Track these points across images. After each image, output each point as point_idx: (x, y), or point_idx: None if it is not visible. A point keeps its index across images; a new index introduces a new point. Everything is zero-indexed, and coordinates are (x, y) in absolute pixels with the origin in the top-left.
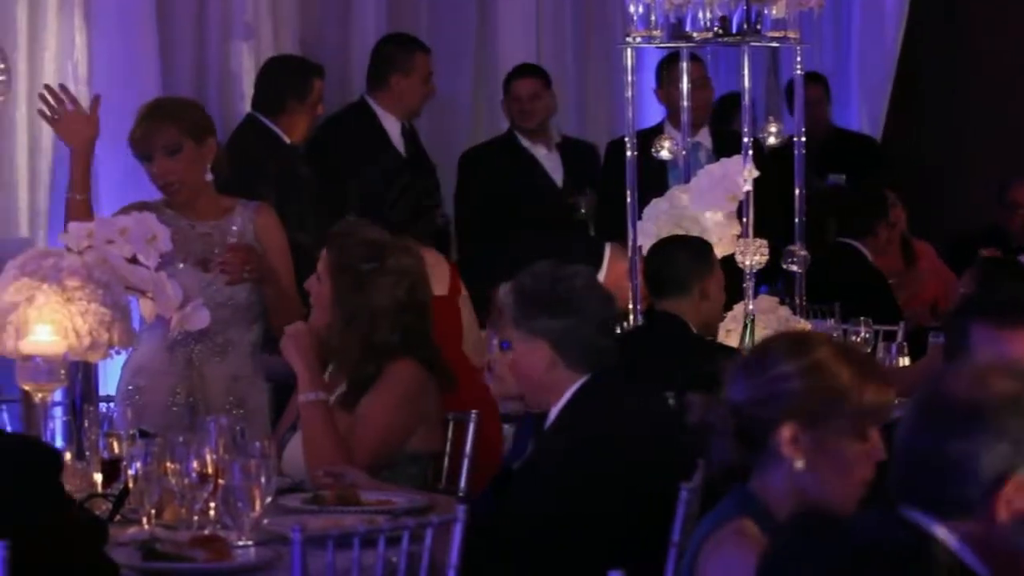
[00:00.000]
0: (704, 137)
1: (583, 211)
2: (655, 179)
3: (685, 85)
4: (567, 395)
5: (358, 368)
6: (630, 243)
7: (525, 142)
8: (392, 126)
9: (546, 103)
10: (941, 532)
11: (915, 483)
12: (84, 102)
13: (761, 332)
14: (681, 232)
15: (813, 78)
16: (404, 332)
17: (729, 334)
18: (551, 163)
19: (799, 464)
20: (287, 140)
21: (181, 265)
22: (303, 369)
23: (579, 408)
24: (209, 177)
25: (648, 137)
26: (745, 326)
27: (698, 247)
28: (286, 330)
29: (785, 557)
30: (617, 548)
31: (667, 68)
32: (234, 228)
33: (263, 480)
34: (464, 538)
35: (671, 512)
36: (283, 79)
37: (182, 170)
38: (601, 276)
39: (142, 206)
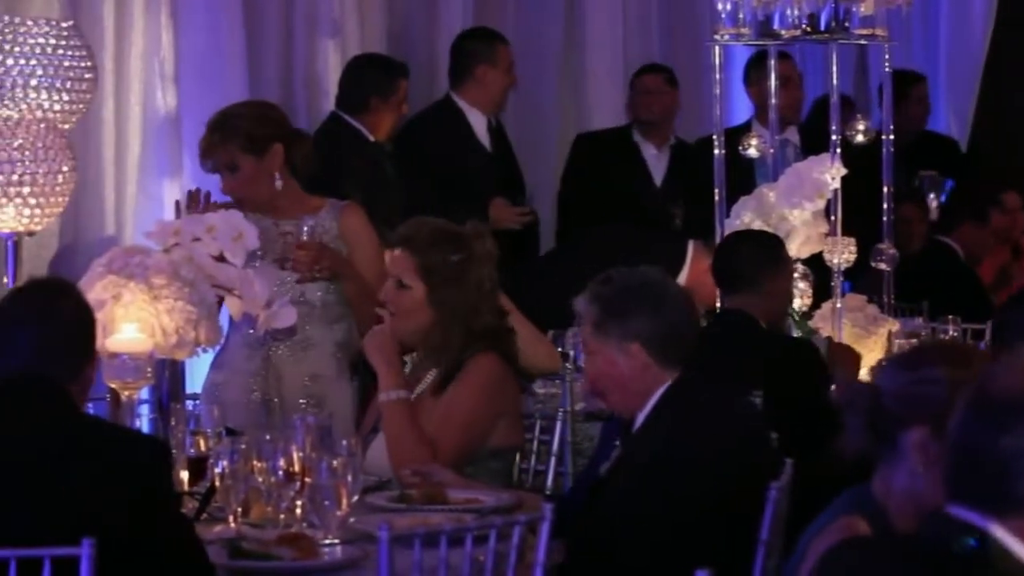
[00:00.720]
0: (792, 135)
1: (678, 222)
2: (743, 177)
3: (772, 82)
4: (654, 398)
5: (459, 355)
6: (717, 241)
7: (637, 137)
8: (478, 122)
9: (664, 102)
10: (996, 529)
11: (968, 481)
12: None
13: (850, 331)
14: (769, 230)
15: (918, 77)
16: (497, 312)
17: (819, 332)
18: (657, 162)
19: (922, 470)
20: (371, 138)
21: (258, 263)
22: (384, 368)
23: (666, 411)
24: (279, 183)
25: (736, 135)
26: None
27: (766, 242)
28: (372, 330)
29: (840, 564)
30: (707, 548)
31: (756, 65)
32: (305, 227)
33: (350, 478)
34: (551, 538)
35: (760, 511)
36: (367, 78)
37: (241, 187)
38: (684, 274)
39: (227, 207)
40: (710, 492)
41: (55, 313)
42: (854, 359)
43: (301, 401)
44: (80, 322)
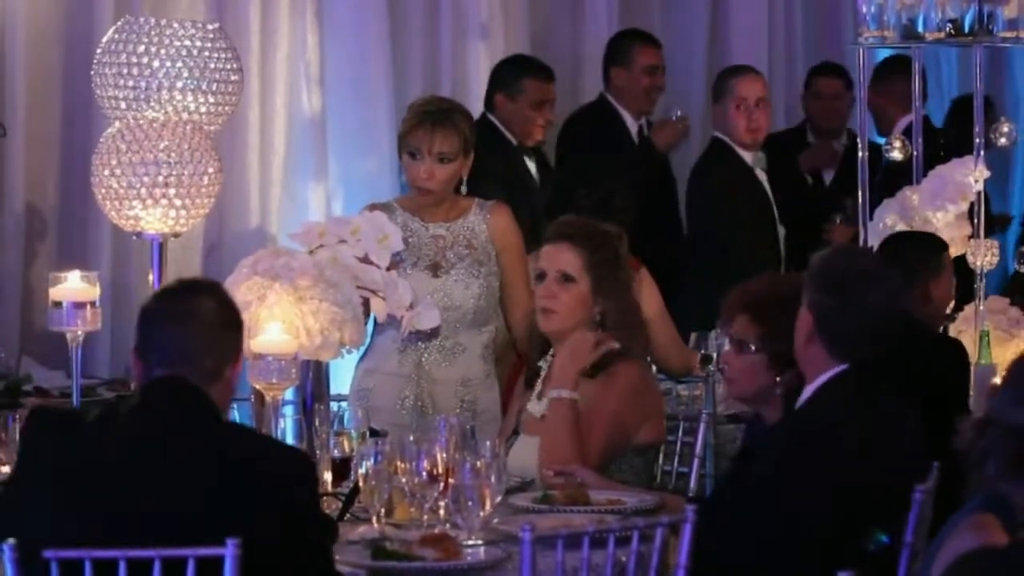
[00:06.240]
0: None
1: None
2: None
3: (915, 85)
4: (813, 386)
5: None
6: (860, 242)
7: (811, 137)
8: (631, 124)
9: (846, 103)
10: None
11: None
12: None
13: (992, 334)
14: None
15: None
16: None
17: (961, 335)
18: None
19: None
20: (514, 142)
21: (410, 271)
22: (568, 366)
23: (806, 406)
24: (464, 189)
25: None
26: (981, 339)
27: (928, 243)
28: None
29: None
30: (825, 545)
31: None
32: (467, 229)
33: (493, 479)
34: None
35: (890, 512)
36: (494, 74)
37: (443, 181)
38: None
39: (372, 207)
40: (835, 488)
41: (196, 313)
42: None
43: (458, 408)
44: (223, 323)
